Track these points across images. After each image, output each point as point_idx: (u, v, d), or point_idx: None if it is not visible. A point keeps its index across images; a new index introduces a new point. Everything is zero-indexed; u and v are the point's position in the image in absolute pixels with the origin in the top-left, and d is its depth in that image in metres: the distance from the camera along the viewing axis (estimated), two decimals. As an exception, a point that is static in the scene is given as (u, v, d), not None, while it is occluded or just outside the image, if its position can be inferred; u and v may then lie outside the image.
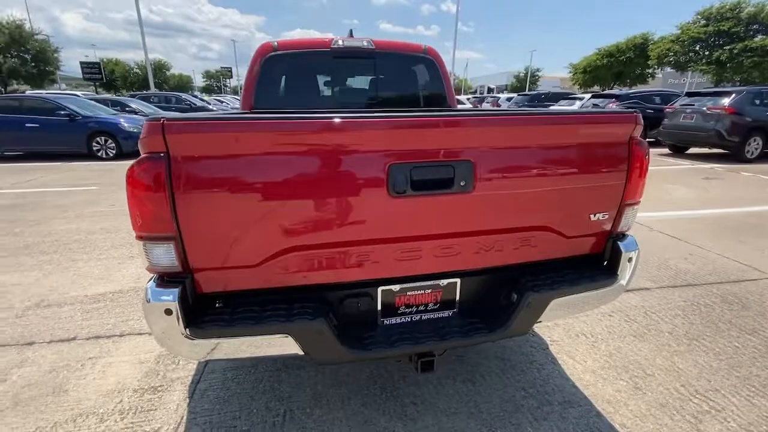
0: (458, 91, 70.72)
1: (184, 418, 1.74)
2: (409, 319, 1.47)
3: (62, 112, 9.11)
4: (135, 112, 12.23)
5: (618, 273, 1.52)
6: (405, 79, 3.02)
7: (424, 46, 3.01)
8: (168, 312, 1.14)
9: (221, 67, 72.41)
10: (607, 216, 1.49)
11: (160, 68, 50.22)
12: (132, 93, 27.82)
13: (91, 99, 12.43)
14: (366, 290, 1.39)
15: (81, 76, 33.21)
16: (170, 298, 1.14)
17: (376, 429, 1.68)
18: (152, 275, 1.22)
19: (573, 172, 1.39)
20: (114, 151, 9.28)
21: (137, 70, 47.96)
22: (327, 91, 2.86)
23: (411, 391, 1.90)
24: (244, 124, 1.12)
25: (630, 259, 1.52)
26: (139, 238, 1.15)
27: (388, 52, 2.91)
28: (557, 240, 1.47)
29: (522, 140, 1.32)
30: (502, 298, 1.49)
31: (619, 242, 1.53)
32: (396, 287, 1.41)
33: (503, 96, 19.42)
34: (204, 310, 1.25)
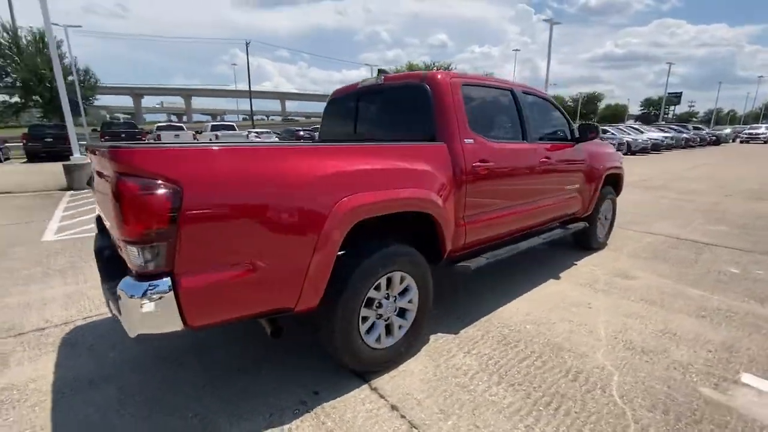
0: None
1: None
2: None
3: None
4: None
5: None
6: (398, 110, 2.81)
7: (424, 74, 2.65)
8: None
9: (668, 93, 63.73)
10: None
11: (591, 100, 52.29)
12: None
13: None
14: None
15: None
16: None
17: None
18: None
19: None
20: None
21: (570, 104, 52.61)
22: (351, 126, 3.24)
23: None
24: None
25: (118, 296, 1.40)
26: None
27: (389, 85, 2.87)
28: None
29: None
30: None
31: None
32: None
33: None
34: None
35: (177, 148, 1.53)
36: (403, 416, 1.90)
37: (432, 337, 2.62)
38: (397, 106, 2.84)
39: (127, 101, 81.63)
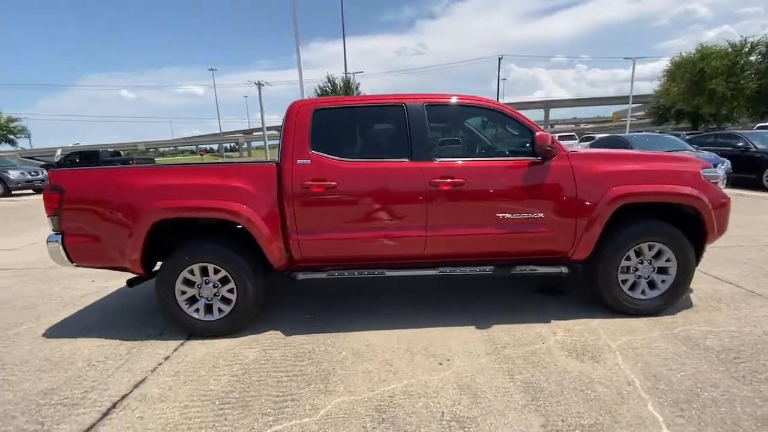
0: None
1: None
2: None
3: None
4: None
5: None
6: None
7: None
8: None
9: None
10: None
11: None
12: None
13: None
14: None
15: None
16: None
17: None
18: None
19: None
20: None
21: None
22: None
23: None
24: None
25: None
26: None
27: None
28: None
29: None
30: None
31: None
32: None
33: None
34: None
35: (67, 170, 2.92)
36: (160, 364, 2.61)
37: (269, 331, 3.01)
38: None
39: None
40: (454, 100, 2.99)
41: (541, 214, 2.83)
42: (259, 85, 41.99)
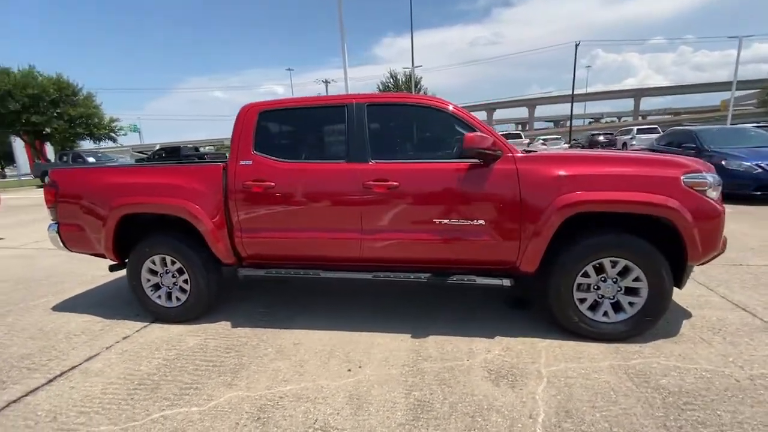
0: None
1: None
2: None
3: None
4: None
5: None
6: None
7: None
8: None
9: None
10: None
11: None
12: None
13: None
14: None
15: None
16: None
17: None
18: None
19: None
20: None
21: None
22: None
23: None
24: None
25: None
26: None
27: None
28: None
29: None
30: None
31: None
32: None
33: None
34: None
35: (62, 168, 3.36)
36: (117, 342, 2.93)
37: (222, 321, 3.20)
38: None
39: (482, 115, 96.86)
40: (398, 99, 2.88)
41: (481, 221, 2.61)
42: (326, 83, 43.76)
